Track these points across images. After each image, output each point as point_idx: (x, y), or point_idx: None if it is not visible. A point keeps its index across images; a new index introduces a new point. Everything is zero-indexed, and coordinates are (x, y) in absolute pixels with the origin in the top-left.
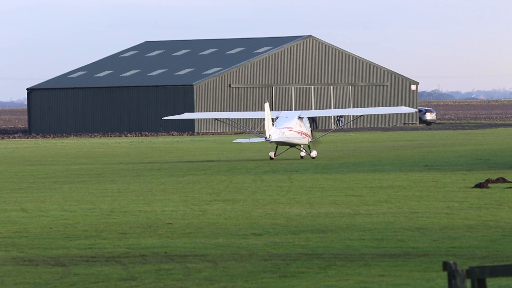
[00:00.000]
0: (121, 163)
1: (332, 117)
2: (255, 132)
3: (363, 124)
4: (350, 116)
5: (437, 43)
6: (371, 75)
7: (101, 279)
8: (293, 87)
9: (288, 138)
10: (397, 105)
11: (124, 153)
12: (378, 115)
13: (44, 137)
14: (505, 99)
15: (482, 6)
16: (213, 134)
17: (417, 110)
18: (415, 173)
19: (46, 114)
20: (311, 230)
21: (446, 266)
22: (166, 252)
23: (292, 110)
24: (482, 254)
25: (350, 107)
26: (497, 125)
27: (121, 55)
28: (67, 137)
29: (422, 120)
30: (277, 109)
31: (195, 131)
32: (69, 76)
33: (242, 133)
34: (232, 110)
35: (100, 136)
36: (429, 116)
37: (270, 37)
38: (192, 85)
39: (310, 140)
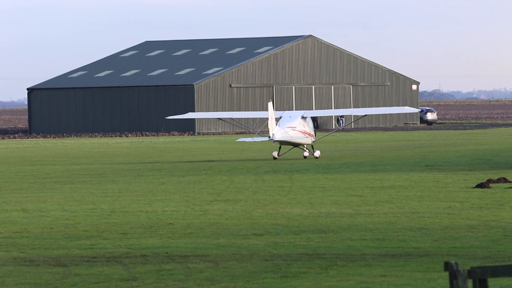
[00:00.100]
0: (122, 163)
1: (333, 117)
2: (258, 131)
3: (364, 124)
4: (351, 116)
5: (438, 43)
6: (372, 75)
7: (102, 280)
8: (293, 87)
9: (291, 137)
10: (398, 105)
11: (124, 153)
12: (379, 115)
13: (45, 137)
14: (506, 99)
15: (483, 6)
16: (214, 134)
17: (420, 110)
18: (416, 173)
19: (47, 114)
20: (312, 230)
21: (447, 266)
22: (167, 253)
23: (293, 110)
24: (483, 254)
25: (351, 107)
26: (498, 125)
27: (122, 55)
28: (68, 137)
29: (423, 120)
30: (278, 109)
31: (196, 131)
32: (70, 76)
33: (243, 133)
34: (232, 110)
35: (101, 136)
36: (430, 116)
37: (271, 37)
38: (193, 85)
39: (313, 140)
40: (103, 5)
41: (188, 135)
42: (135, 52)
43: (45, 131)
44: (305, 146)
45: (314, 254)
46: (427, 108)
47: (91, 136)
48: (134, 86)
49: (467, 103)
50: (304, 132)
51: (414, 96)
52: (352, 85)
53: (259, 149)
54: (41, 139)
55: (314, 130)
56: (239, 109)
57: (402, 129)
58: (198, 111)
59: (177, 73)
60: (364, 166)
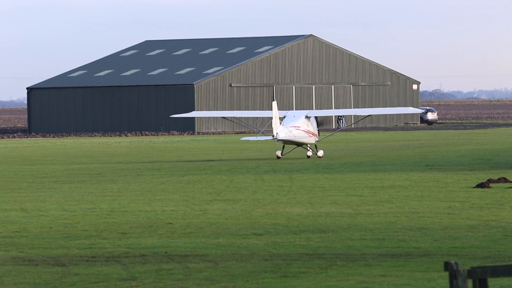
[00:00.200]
0: (121, 162)
1: (333, 117)
2: (262, 130)
3: (365, 124)
4: (351, 116)
5: (439, 42)
6: (373, 75)
7: (101, 279)
8: (294, 87)
9: (295, 136)
10: (398, 104)
11: (124, 152)
12: (380, 114)
13: (44, 137)
14: (506, 99)
15: (483, 6)
16: (213, 134)
17: (423, 110)
18: (417, 173)
19: (46, 113)
20: (312, 230)
21: (447, 266)
22: (166, 252)
23: (293, 109)
24: (483, 254)
25: (351, 107)
26: (498, 125)
27: (122, 54)
28: (67, 136)
29: (423, 120)
30: (278, 109)
31: (196, 130)
32: (69, 75)
33: (243, 132)
34: (232, 110)
35: (100, 136)
36: (430, 116)
37: (271, 37)
38: (193, 84)
39: (317, 139)
40: (103, 4)
41: (187, 134)
42: (135, 51)
43: (45, 130)
44: (308, 145)
45: (313, 254)
46: (427, 108)
47: (91, 136)
48: (134, 86)
49: (467, 103)
50: (308, 132)
51: (415, 96)
52: (352, 84)
53: (259, 148)
54: (40, 138)
55: (318, 130)
56: (239, 109)
57: (403, 129)
58: (198, 110)
59: (177, 73)
60: (364, 166)
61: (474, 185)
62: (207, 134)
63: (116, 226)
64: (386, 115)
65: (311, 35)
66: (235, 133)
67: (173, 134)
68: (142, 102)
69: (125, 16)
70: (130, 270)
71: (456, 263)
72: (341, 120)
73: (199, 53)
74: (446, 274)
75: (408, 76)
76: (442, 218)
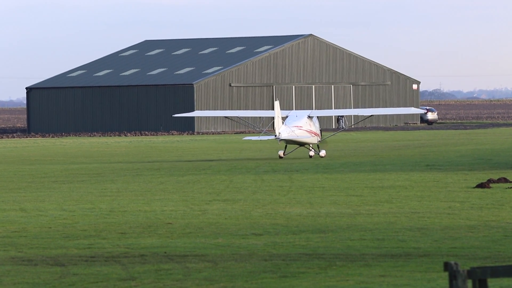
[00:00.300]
0: (121, 162)
1: (333, 117)
2: (265, 130)
3: (364, 124)
4: (351, 116)
5: (439, 42)
6: (373, 74)
7: (100, 279)
8: (294, 86)
9: (297, 136)
10: (398, 104)
11: (123, 152)
12: (380, 114)
13: (43, 137)
14: (507, 99)
15: (483, 6)
16: (213, 134)
17: (425, 111)
18: (417, 173)
19: (45, 113)
20: (312, 230)
21: (447, 266)
22: (165, 252)
23: (293, 109)
24: (483, 255)
25: (351, 107)
26: (498, 125)
27: (121, 54)
28: (66, 136)
29: (423, 120)
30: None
31: (195, 130)
32: (69, 75)
33: (242, 132)
34: (232, 109)
35: (100, 136)
36: (430, 116)
37: (271, 36)
38: (192, 84)
39: (319, 139)
40: (103, 4)
41: (187, 134)
42: (134, 51)
43: (44, 130)
44: (310, 145)
45: (313, 254)
46: (427, 107)
47: (90, 136)
48: (134, 86)
49: (467, 102)
50: (310, 132)
51: (415, 96)
52: (352, 84)
53: (259, 148)
54: (39, 138)
55: (320, 130)
56: (239, 109)
57: (403, 128)
58: (197, 110)
59: (176, 72)
60: (364, 166)
61: (474, 185)
62: (207, 134)
63: (116, 226)
64: (386, 115)
65: (311, 34)
66: (234, 133)
67: (172, 134)
68: (141, 102)
69: (124, 16)
70: (130, 270)
71: (456, 264)
72: (341, 120)
73: (199, 53)
74: (446, 274)
75: (408, 76)
76: (442, 218)
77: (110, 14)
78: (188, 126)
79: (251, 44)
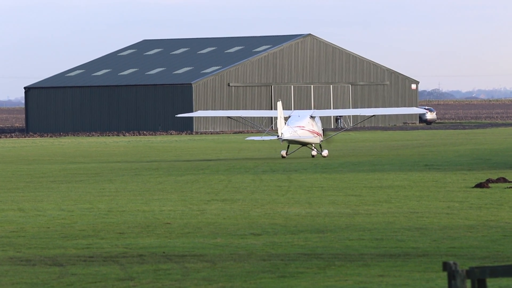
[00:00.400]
0: (119, 162)
1: (332, 117)
2: (267, 130)
3: (363, 124)
4: (350, 116)
5: (438, 42)
6: (371, 74)
7: (99, 279)
8: (292, 86)
9: (300, 136)
10: (397, 104)
11: (122, 152)
12: (381, 114)
13: (42, 136)
14: (505, 99)
15: (483, 6)
16: (212, 134)
17: (427, 111)
18: (415, 172)
19: (44, 113)
20: (310, 230)
21: (446, 266)
22: (164, 252)
23: (291, 109)
24: (482, 255)
25: (350, 107)
26: (497, 125)
27: (119, 54)
28: (65, 136)
29: (422, 120)
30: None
31: (194, 130)
32: (67, 74)
33: (241, 132)
34: (231, 109)
35: (98, 135)
36: (429, 116)
37: (270, 36)
38: (191, 84)
39: (321, 139)
40: (101, 3)
41: (186, 134)
42: (133, 50)
43: (42, 130)
44: (313, 145)
45: (312, 254)
46: (426, 107)
47: (88, 135)
48: (132, 85)
49: (466, 102)
50: (313, 132)
51: (414, 96)
52: (351, 84)
53: (258, 148)
54: (38, 138)
55: (323, 130)
56: (237, 108)
57: (401, 128)
58: (196, 110)
59: (175, 72)
60: (363, 166)
61: (473, 185)
62: (205, 134)
63: (114, 226)
64: (386, 115)
65: (310, 34)
66: (233, 133)
67: (171, 134)
68: (140, 102)
69: (123, 16)
70: (128, 270)
71: (454, 263)
72: (340, 120)
73: (197, 53)
74: (444, 274)
75: (407, 75)
76: (441, 218)
77: (108, 13)
78: (186, 126)
79: (250, 44)
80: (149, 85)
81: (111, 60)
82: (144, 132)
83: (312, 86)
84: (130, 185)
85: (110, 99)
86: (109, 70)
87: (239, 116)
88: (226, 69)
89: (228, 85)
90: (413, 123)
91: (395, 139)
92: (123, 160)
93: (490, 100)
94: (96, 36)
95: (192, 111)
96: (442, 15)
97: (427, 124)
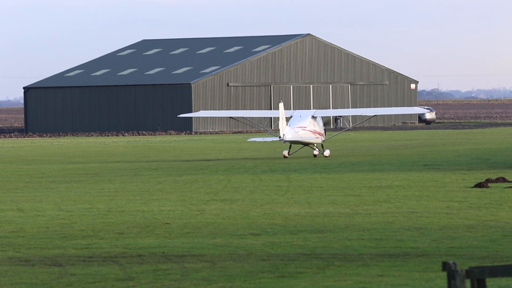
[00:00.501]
0: (118, 162)
1: (331, 117)
2: (270, 131)
3: (362, 124)
4: (349, 116)
5: (437, 42)
6: (370, 74)
7: (98, 279)
8: (291, 86)
9: (301, 138)
10: (396, 104)
11: (121, 152)
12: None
13: (41, 136)
14: (505, 98)
15: (482, 5)
16: (211, 133)
17: (429, 110)
18: (415, 172)
19: (43, 113)
20: (310, 230)
21: (445, 266)
22: (163, 252)
23: (290, 109)
24: (481, 254)
25: (349, 107)
26: (497, 124)
27: (118, 54)
28: (64, 136)
29: (421, 119)
30: (276, 108)
31: (193, 130)
32: (66, 74)
33: (240, 132)
34: (230, 109)
35: (97, 135)
36: (428, 115)
37: (269, 36)
38: (190, 84)
39: (323, 139)
40: (100, 3)
41: (185, 134)
42: (132, 50)
43: (41, 130)
44: (315, 145)
45: (311, 254)
46: (425, 107)
47: (88, 135)
48: (131, 85)
49: (465, 102)
50: (314, 132)
51: (413, 95)
52: (350, 84)
53: (257, 148)
54: (37, 138)
55: (324, 129)
56: (236, 108)
57: (401, 128)
58: (195, 110)
59: (174, 72)
60: (362, 166)
61: (473, 185)
62: (205, 134)
63: (113, 226)
64: (385, 114)
65: (309, 34)
66: (232, 133)
67: (170, 134)
68: (139, 102)
69: (122, 15)
70: (127, 270)
71: (454, 263)
72: (339, 120)
73: (196, 53)
74: (444, 274)
75: (406, 75)
76: (440, 218)
77: (107, 13)
78: (186, 126)
79: (249, 44)
80: (148, 85)
81: (110, 60)
82: (143, 132)
83: (311, 86)
84: (130, 185)
85: (109, 99)
86: (108, 70)
87: (242, 117)
88: (225, 69)
89: (227, 85)
90: (412, 123)
91: (395, 139)
92: (122, 160)
93: (489, 100)
94: (95, 36)
95: (191, 111)
96: (441, 15)
97: (427, 124)
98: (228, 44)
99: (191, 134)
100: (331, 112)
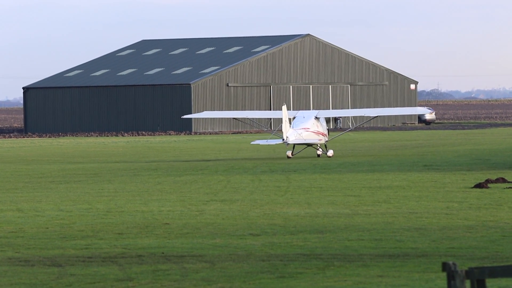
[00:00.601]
0: (118, 162)
1: (331, 117)
2: (273, 132)
3: (362, 124)
4: (349, 117)
5: (437, 42)
6: (370, 74)
7: (98, 280)
8: (291, 86)
9: (305, 140)
10: (396, 104)
11: (120, 152)
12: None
13: (40, 137)
14: (505, 99)
15: (482, 6)
16: (210, 134)
17: (432, 111)
18: (414, 173)
19: (42, 113)
20: (309, 231)
21: (445, 266)
22: (163, 253)
23: (290, 109)
24: (481, 255)
25: (349, 107)
26: (496, 125)
27: (118, 54)
28: (63, 136)
29: (421, 120)
30: (276, 109)
31: (193, 130)
32: (66, 75)
33: (240, 132)
34: (229, 110)
35: (97, 136)
36: (428, 116)
37: (268, 36)
38: (190, 84)
39: (326, 139)
40: (100, 3)
41: (184, 134)
42: (131, 51)
43: (41, 130)
44: (318, 145)
45: (311, 255)
46: (425, 107)
47: (87, 136)
48: (131, 85)
49: (465, 102)
50: (318, 133)
51: (413, 96)
52: (350, 84)
53: (256, 148)
54: (36, 138)
55: (328, 130)
56: (236, 109)
57: (400, 128)
58: (195, 110)
59: (174, 72)
60: (362, 166)
61: (472, 186)
62: (204, 134)
63: (113, 227)
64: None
65: (308, 34)
66: (232, 133)
67: (170, 134)
68: (138, 102)
69: (121, 16)
70: (127, 270)
71: (454, 264)
72: (338, 120)
73: (196, 53)
74: (444, 274)
75: (406, 76)
76: (440, 219)
77: (107, 13)
78: (185, 126)
79: (249, 44)
80: (148, 85)
81: (110, 60)
82: (143, 132)
83: (311, 86)
84: (129, 186)
85: (109, 99)
86: (108, 70)
87: (245, 117)
88: (225, 69)
89: (227, 85)
90: (412, 123)
91: (394, 139)
92: (122, 161)
93: (489, 100)
94: (95, 36)
95: (191, 112)
96: (441, 15)
97: (426, 124)
98: (227, 44)
99: (191, 134)
100: (335, 113)
